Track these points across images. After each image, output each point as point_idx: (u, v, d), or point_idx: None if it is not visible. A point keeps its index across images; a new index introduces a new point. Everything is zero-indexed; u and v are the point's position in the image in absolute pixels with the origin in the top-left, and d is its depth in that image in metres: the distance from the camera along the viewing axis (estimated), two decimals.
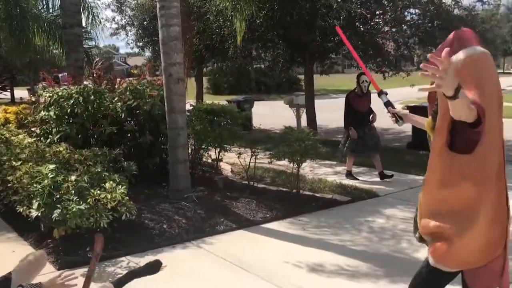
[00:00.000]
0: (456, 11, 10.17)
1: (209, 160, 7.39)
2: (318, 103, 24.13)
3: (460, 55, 2.16)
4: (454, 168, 2.17)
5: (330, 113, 14.33)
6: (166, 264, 4.22)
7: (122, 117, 6.41)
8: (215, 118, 6.56)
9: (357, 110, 7.38)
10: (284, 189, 6.69)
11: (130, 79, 7.97)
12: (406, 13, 10.40)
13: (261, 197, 6.18)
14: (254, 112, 14.59)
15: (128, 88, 6.37)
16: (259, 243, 4.94)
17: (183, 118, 5.86)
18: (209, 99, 20.67)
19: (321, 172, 8.34)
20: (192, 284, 4.03)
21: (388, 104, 3.03)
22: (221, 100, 12.61)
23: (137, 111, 6.31)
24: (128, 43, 23.03)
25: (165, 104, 5.83)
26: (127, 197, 4.86)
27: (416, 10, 10.40)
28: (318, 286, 3.98)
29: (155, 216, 5.43)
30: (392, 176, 7.47)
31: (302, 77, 35.95)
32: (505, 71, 43.61)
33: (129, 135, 6.46)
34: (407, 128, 10.59)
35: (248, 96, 16.14)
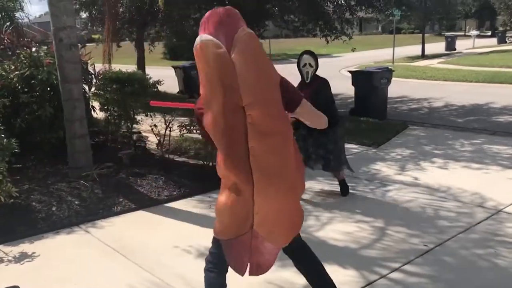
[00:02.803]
0: None
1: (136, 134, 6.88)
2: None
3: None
4: None
5: None
6: (40, 252, 3.81)
7: (19, 88, 5.79)
8: (123, 87, 6.00)
9: None
10: (202, 163, 6.26)
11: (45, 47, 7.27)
12: None
13: (172, 173, 5.73)
14: None
15: (22, 55, 5.73)
16: (154, 226, 4.52)
17: (79, 88, 5.30)
18: (164, 65, 19.67)
19: None
20: (61, 274, 3.59)
21: None
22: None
23: (33, 81, 5.69)
24: None
25: (58, 73, 5.24)
26: (7, 178, 4.40)
27: None
28: (201, 275, 3.60)
29: (46, 197, 4.94)
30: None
31: (263, 41, 35.55)
32: (466, 34, 43.83)
33: (27, 108, 5.85)
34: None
35: (194, 62, 15.42)
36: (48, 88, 5.78)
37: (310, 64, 4.76)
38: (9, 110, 5.72)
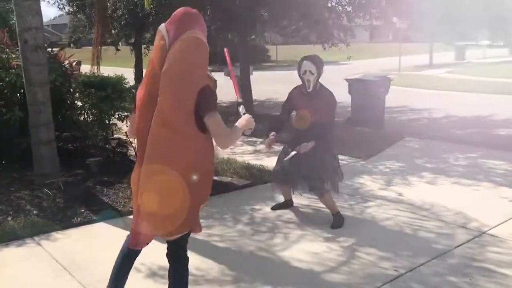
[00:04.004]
0: None
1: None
2: (274, 74, 23.66)
3: None
4: None
5: (275, 86, 13.63)
6: None
7: None
8: (97, 91, 5.76)
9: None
10: None
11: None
12: None
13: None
14: None
15: None
16: (110, 239, 4.22)
17: (44, 91, 5.05)
18: None
19: (239, 151, 7.66)
20: None
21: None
22: None
23: (1, 83, 5.47)
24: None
25: (23, 75, 5.01)
26: None
27: None
28: None
29: (3, 206, 4.70)
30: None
31: (270, 47, 35.18)
32: (477, 43, 43.32)
33: None
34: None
35: None
36: (21, 91, 5.55)
37: (310, 72, 4.23)
38: None
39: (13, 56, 5.65)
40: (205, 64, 2.51)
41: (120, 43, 13.94)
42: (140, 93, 2.56)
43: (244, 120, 2.61)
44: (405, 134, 8.68)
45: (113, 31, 13.67)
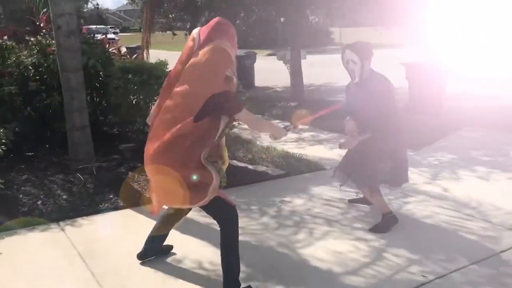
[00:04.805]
0: None
1: None
2: (336, 57, 22.68)
3: None
4: None
5: (333, 69, 13.18)
6: (4, 249, 3.58)
7: (30, 75, 5.70)
8: (134, 76, 5.72)
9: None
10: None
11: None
12: None
13: None
14: (265, 68, 13.74)
15: (30, 42, 5.64)
16: (132, 228, 4.19)
17: (78, 78, 5.07)
18: None
19: (283, 138, 7.40)
20: (13, 275, 3.36)
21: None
22: None
23: (40, 69, 5.58)
24: None
25: (58, 61, 5.06)
26: None
27: None
28: None
29: (36, 190, 4.79)
30: None
31: (334, 29, 34.14)
32: None
33: (38, 97, 5.76)
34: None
35: (250, 50, 15.09)
36: (58, 76, 5.64)
37: (353, 61, 3.86)
38: (19, 98, 5.65)
39: (53, 41, 5.73)
40: (223, 73, 2.76)
41: (174, 28, 13.97)
42: (168, 76, 3.03)
43: (276, 128, 3.22)
44: (465, 123, 8.03)
45: (170, 16, 13.78)
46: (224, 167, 3.03)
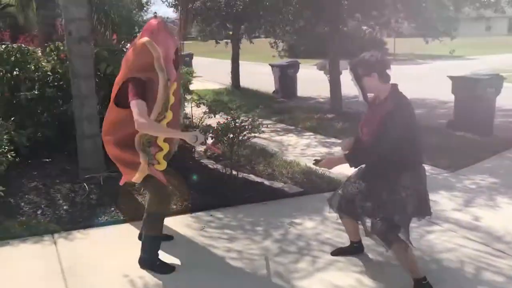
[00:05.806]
0: None
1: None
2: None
3: None
4: None
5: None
6: None
7: (49, 81, 5.66)
8: None
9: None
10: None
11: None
12: None
13: (185, 182, 5.12)
14: (312, 78, 13.69)
15: (48, 48, 5.59)
16: (126, 243, 3.96)
17: (89, 84, 4.94)
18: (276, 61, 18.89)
19: (310, 152, 7.05)
20: None
21: None
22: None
23: (57, 75, 5.51)
24: None
25: (69, 67, 4.95)
26: None
27: None
28: None
29: (39, 199, 4.66)
30: None
31: (388, 39, 33.19)
32: None
33: (55, 103, 5.70)
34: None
35: (293, 60, 14.78)
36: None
37: (352, 78, 3.26)
38: (34, 103, 5.60)
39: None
40: (137, 63, 3.16)
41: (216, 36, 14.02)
42: None
43: (188, 134, 3.31)
44: None
45: (213, 24, 13.75)
46: (162, 153, 3.30)
